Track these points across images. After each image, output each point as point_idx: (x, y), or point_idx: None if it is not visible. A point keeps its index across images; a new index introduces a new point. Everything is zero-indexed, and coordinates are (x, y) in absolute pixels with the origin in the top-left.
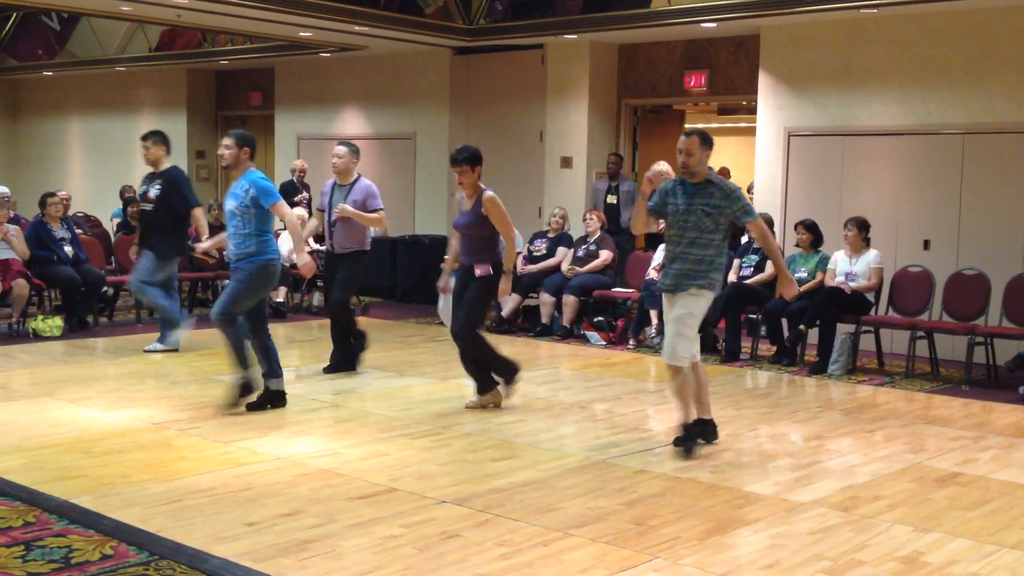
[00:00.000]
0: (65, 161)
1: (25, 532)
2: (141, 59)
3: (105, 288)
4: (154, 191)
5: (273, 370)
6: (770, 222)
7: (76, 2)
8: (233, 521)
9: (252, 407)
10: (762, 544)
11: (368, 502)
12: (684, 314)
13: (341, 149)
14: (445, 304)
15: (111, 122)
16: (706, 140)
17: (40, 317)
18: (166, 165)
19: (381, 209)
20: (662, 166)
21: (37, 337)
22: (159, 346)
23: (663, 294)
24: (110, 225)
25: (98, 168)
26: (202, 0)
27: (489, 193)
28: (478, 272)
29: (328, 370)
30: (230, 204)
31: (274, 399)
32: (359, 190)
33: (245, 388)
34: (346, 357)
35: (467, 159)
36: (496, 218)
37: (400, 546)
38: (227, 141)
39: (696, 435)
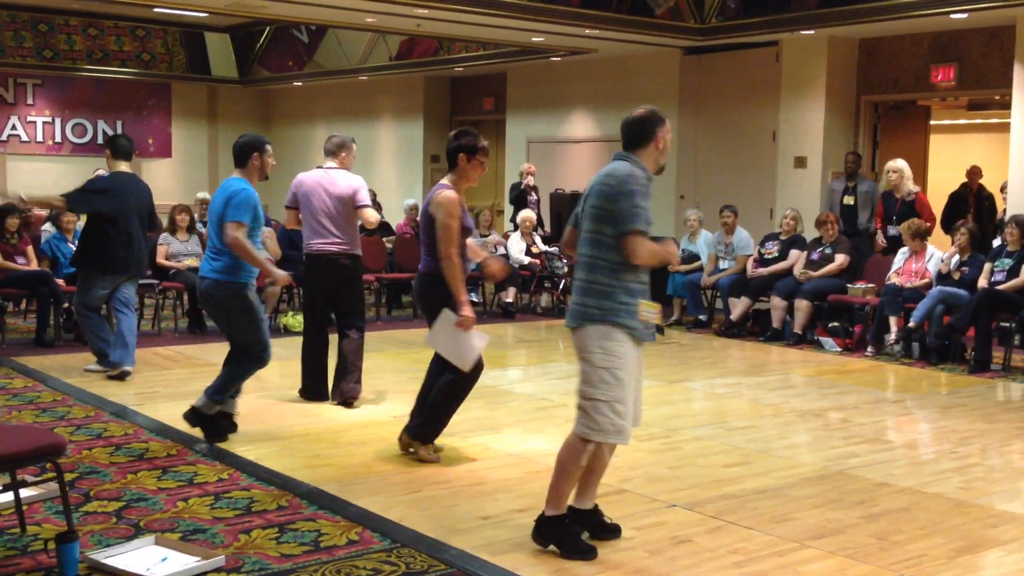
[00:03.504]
0: (312, 167)
1: (279, 515)
2: (382, 68)
3: None
4: None
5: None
6: None
7: (325, 15)
8: (468, 514)
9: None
10: (1018, 566)
11: (599, 502)
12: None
13: None
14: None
15: (354, 129)
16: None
17: (290, 313)
18: None
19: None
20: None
21: (287, 332)
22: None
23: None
24: None
25: None
26: (441, 9)
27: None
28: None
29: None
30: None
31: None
32: None
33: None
34: None
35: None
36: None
37: (631, 548)
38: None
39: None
